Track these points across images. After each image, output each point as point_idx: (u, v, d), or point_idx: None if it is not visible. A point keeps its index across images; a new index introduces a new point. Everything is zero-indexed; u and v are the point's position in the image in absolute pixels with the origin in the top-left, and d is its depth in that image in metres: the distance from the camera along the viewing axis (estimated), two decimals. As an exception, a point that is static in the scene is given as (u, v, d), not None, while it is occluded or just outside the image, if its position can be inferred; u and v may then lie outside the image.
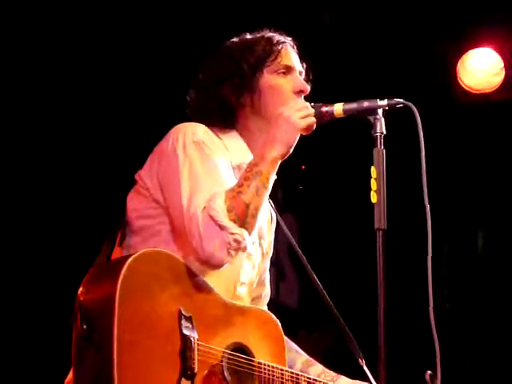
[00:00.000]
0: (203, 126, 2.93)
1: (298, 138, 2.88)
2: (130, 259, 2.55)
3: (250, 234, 2.76)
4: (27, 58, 5.09)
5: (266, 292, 3.22)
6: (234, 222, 2.71)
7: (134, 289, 2.53)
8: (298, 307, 6.29)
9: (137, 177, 2.95)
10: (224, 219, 2.69)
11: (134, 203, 2.93)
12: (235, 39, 3.10)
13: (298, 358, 3.19)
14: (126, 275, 2.51)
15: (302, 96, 3.03)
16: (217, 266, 2.74)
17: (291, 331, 3.20)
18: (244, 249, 2.76)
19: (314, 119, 2.89)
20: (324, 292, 3.19)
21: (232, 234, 2.69)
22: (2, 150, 5.13)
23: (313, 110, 2.89)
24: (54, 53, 5.12)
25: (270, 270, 3.29)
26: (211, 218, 2.68)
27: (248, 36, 3.09)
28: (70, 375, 2.73)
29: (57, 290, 4.99)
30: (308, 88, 3.04)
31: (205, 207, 2.70)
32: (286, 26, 3.15)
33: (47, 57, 5.12)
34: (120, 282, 2.49)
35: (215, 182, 2.79)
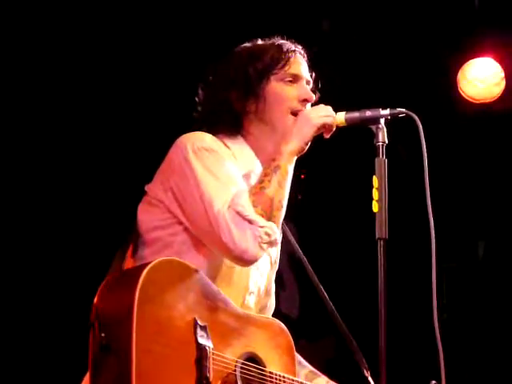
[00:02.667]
0: (210, 134, 2.92)
1: (313, 133, 2.89)
2: (148, 268, 2.54)
3: (278, 227, 2.75)
4: (41, 70, 5.14)
5: (272, 302, 3.20)
6: (262, 216, 2.71)
7: (152, 297, 2.52)
8: (299, 316, 6.27)
9: (147, 189, 2.92)
10: (252, 213, 2.68)
11: (146, 215, 2.90)
12: (246, 44, 3.09)
13: (301, 370, 3.15)
14: (144, 283, 2.50)
15: (309, 105, 3.02)
16: (250, 261, 2.73)
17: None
18: (275, 242, 2.76)
19: (332, 119, 2.90)
20: (331, 304, 3.17)
21: (261, 227, 2.69)
22: (13, 163, 5.14)
23: (333, 113, 2.90)
24: (68, 64, 5.16)
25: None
26: (238, 213, 2.67)
27: (259, 42, 3.09)
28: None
29: (69, 299, 5.00)
30: (313, 97, 3.03)
31: (229, 205, 2.69)
32: (286, 33, 3.15)
33: (61, 68, 5.16)
34: (138, 290, 2.48)
35: (232, 182, 2.78)
